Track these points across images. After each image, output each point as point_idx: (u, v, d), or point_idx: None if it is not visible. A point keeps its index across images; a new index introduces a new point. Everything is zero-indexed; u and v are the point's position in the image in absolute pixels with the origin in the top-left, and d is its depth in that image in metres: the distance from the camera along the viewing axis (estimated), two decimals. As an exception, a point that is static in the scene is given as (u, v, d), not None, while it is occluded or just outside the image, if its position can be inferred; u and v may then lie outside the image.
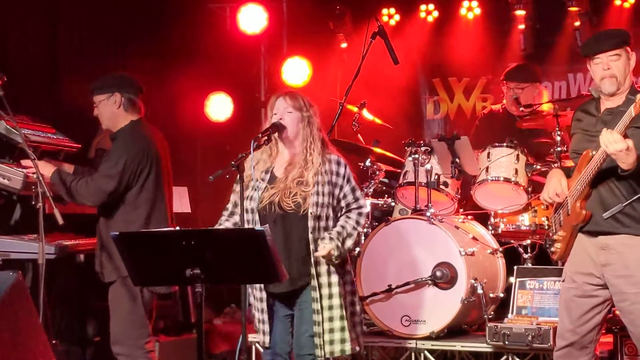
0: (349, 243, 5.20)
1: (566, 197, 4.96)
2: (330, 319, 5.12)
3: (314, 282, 5.09)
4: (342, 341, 5.13)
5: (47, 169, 5.67)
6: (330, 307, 5.12)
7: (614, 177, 4.82)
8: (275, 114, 5.24)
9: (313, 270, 5.09)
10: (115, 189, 5.67)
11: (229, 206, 5.36)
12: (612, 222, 4.84)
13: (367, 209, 5.37)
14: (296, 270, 5.08)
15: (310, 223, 5.10)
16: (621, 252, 4.84)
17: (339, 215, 5.23)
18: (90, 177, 5.72)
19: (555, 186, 5.00)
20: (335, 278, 5.15)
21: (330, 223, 5.18)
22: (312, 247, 5.10)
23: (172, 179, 6.07)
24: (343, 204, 5.23)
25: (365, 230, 7.06)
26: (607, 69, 4.87)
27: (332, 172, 5.20)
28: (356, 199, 5.26)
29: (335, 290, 5.14)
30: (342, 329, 5.13)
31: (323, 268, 5.12)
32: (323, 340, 5.10)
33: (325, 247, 5.09)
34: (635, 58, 4.95)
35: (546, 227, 6.71)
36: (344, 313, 5.13)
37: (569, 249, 5.01)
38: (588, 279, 4.95)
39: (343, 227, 5.19)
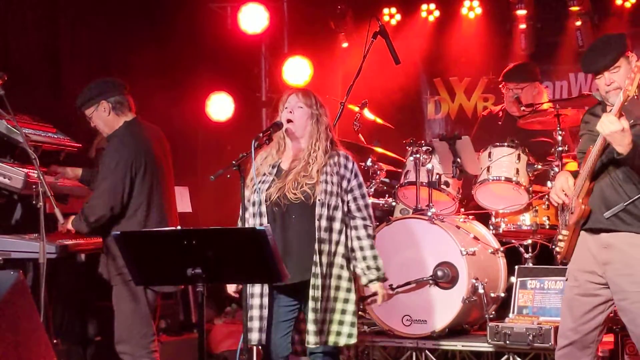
0: (380, 261, 5.30)
1: (572, 198, 4.96)
2: (343, 312, 5.19)
3: (316, 270, 5.11)
4: (350, 335, 5.20)
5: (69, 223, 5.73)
6: (336, 299, 5.17)
7: (616, 175, 4.84)
8: (286, 108, 5.30)
9: (316, 258, 5.11)
10: (117, 186, 5.64)
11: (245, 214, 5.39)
12: (613, 219, 4.85)
13: (370, 201, 5.44)
14: (303, 262, 5.11)
15: (318, 210, 5.13)
16: (623, 251, 4.84)
17: (346, 210, 5.25)
18: (89, 200, 5.74)
19: (562, 184, 5.01)
20: (345, 273, 5.20)
21: (338, 214, 5.19)
22: (317, 235, 5.11)
23: (173, 177, 6.06)
24: (350, 197, 5.27)
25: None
26: (610, 84, 4.85)
27: (341, 165, 5.26)
28: (362, 196, 5.31)
29: (344, 284, 5.19)
30: (353, 324, 5.20)
31: (325, 259, 5.14)
32: (329, 330, 5.15)
33: (380, 295, 5.33)
34: (635, 59, 4.90)
35: (547, 227, 6.72)
36: (355, 308, 5.21)
37: (572, 247, 5.02)
38: (590, 277, 4.95)
39: (365, 257, 5.27)
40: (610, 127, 4.60)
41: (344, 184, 5.26)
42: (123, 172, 5.66)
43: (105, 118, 5.84)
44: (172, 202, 6.01)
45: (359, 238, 5.28)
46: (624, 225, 4.84)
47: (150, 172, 5.78)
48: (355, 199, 5.28)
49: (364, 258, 5.27)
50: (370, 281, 5.28)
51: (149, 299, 5.74)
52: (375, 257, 5.28)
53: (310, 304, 5.11)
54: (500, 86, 7.73)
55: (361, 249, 5.27)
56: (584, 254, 4.98)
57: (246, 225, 5.19)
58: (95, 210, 5.66)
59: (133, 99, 5.94)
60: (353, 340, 5.23)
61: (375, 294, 5.36)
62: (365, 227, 5.30)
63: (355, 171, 5.30)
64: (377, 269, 5.27)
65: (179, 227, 4.64)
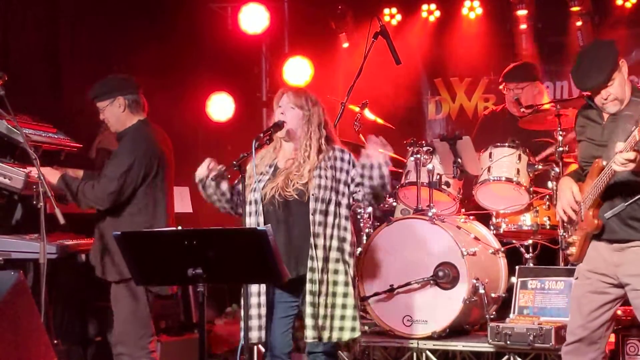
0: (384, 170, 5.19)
1: (580, 203, 4.95)
2: (344, 306, 5.18)
3: (313, 264, 5.11)
4: (353, 329, 5.20)
5: (53, 176, 5.66)
6: (334, 294, 5.16)
7: (627, 187, 4.80)
8: (279, 106, 5.32)
9: (312, 253, 5.11)
10: (119, 191, 5.65)
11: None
12: (626, 229, 4.83)
13: None
14: (299, 257, 5.12)
15: (312, 205, 5.14)
16: (636, 252, 4.84)
17: (346, 203, 5.26)
18: (97, 180, 5.71)
19: (568, 198, 4.98)
20: (341, 267, 5.19)
21: (332, 207, 5.19)
22: (312, 229, 5.12)
23: (174, 179, 6.06)
24: (357, 182, 5.25)
25: (367, 230, 7.08)
26: (607, 97, 4.82)
27: (336, 158, 5.27)
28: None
29: (342, 278, 5.18)
30: (354, 318, 5.20)
31: (320, 253, 5.13)
32: (331, 326, 5.15)
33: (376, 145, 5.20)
34: (626, 65, 4.86)
35: (548, 227, 6.72)
36: (355, 301, 5.20)
37: (584, 252, 5.01)
38: (601, 278, 4.95)
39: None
40: (631, 165, 4.55)
41: (342, 176, 5.25)
42: (135, 175, 5.66)
43: (118, 114, 5.83)
44: (172, 204, 6.01)
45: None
46: (637, 233, 4.83)
47: (161, 174, 5.79)
48: (361, 178, 5.22)
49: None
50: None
51: (149, 300, 5.74)
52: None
53: (308, 298, 5.12)
54: (500, 87, 7.73)
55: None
56: (595, 257, 4.97)
57: (245, 225, 5.18)
58: (98, 202, 5.67)
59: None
60: (357, 334, 5.23)
61: None
62: None
63: (352, 161, 5.30)
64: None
65: (179, 227, 4.63)
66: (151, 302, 5.78)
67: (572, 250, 5.06)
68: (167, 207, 5.87)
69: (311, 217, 5.14)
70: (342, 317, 5.19)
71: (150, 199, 5.74)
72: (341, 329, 5.18)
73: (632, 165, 4.57)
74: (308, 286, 5.11)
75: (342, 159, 5.29)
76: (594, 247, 4.97)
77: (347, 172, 5.28)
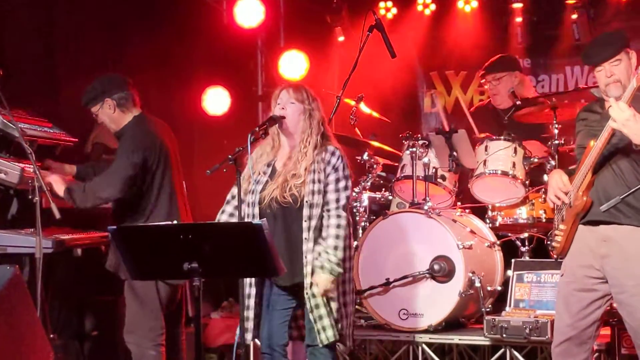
0: (339, 254, 5.14)
1: (569, 192, 4.96)
2: (327, 309, 5.14)
3: (306, 270, 5.10)
4: (329, 331, 5.14)
5: (59, 187, 5.66)
6: (313, 296, 5.14)
7: (618, 166, 4.85)
8: (278, 104, 5.28)
9: (304, 259, 5.10)
10: (119, 193, 5.66)
11: (228, 208, 5.37)
12: (613, 211, 4.86)
13: (347, 193, 5.30)
14: (296, 264, 5.10)
15: (306, 211, 5.12)
16: (622, 245, 4.85)
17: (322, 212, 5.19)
18: (100, 187, 5.70)
19: (558, 183, 5.00)
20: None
21: (324, 212, 5.18)
22: (304, 235, 5.10)
23: (182, 170, 6.05)
24: (323, 188, 5.19)
25: (362, 223, 7.07)
26: (611, 76, 4.88)
27: (325, 161, 5.22)
28: (336, 190, 5.19)
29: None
30: (321, 318, 5.14)
31: (312, 258, 5.10)
32: (318, 328, 5.13)
33: (320, 284, 5.10)
34: (635, 56, 4.96)
35: (543, 220, 6.72)
36: (324, 302, 5.13)
37: (569, 242, 5.01)
38: (588, 272, 4.95)
39: (326, 249, 5.14)
40: (623, 115, 4.62)
41: (324, 179, 5.22)
42: (135, 174, 5.66)
43: (110, 115, 5.85)
44: (183, 195, 6.01)
45: (327, 231, 5.20)
46: (624, 217, 4.85)
47: (163, 166, 5.79)
48: (327, 192, 5.18)
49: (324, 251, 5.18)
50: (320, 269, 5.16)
51: (160, 293, 5.75)
52: (336, 247, 5.15)
53: (306, 304, 5.12)
54: (482, 81, 7.74)
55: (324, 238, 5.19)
56: (582, 248, 4.98)
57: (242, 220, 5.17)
58: (96, 201, 5.68)
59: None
60: (332, 339, 5.16)
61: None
62: (329, 217, 5.18)
63: (335, 166, 5.22)
64: (329, 260, 5.14)
65: (175, 222, 4.63)
66: (163, 295, 5.77)
67: (558, 240, 5.06)
68: (174, 199, 5.86)
69: (304, 223, 5.11)
70: (321, 318, 5.14)
71: (153, 194, 5.75)
72: (319, 331, 5.12)
73: (624, 115, 4.60)
74: (304, 293, 5.12)
75: (329, 162, 5.22)
76: (580, 237, 4.98)
77: (328, 176, 5.19)
